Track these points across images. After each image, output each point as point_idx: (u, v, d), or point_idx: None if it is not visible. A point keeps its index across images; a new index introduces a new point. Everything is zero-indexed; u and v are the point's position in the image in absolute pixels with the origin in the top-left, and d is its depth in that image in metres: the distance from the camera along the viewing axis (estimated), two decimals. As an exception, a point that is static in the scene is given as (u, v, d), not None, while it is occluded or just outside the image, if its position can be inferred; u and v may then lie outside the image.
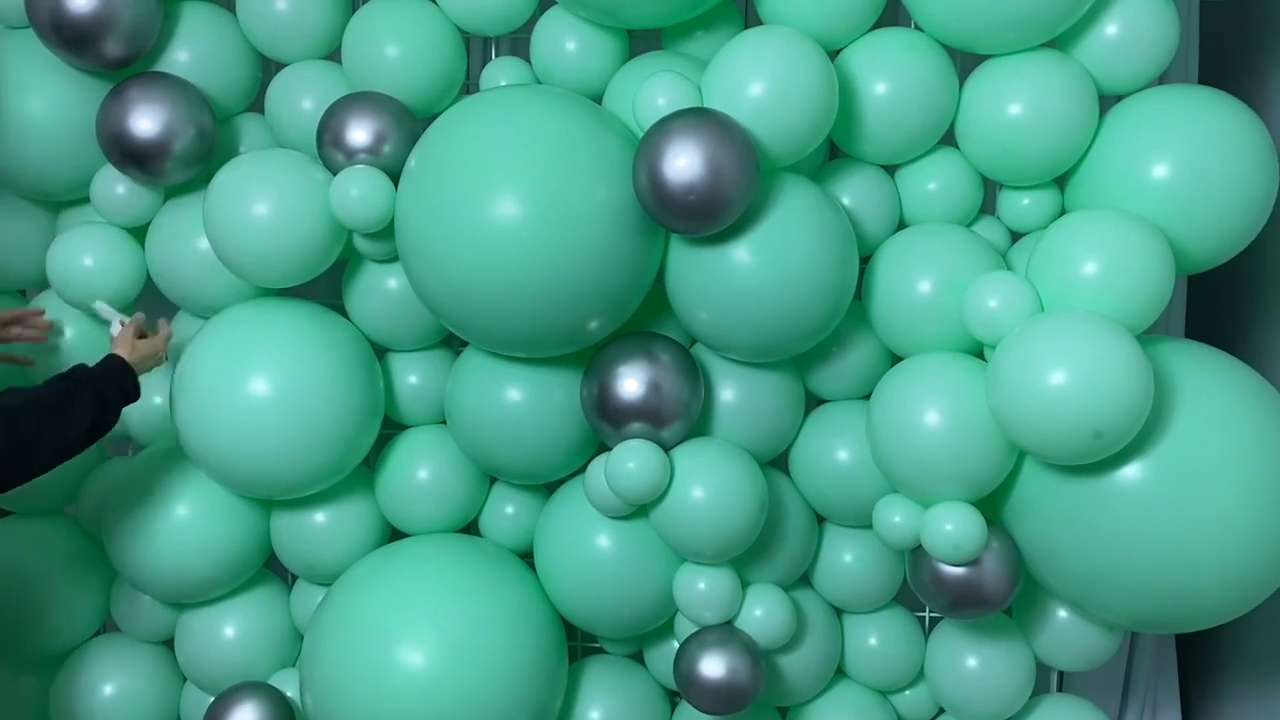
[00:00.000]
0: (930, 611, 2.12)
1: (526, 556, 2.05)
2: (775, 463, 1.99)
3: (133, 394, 1.73)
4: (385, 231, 1.85)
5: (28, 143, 1.91)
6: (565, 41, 1.90)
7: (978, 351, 1.80)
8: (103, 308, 1.91)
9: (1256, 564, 1.65)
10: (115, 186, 1.95)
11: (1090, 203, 1.79)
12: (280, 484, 1.90)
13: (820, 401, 2.01)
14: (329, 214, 1.83)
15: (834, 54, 1.83)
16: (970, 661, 2.00)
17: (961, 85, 1.85)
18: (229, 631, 2.05)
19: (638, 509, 1.88)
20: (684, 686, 1.89)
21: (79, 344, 2.02)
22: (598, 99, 1.89)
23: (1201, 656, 2.51)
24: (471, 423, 1.91)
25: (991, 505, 1.83)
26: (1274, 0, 2.27)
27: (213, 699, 2.00)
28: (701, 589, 1.87)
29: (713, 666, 1.85)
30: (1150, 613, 1.74)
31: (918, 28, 1.86)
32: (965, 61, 1.86)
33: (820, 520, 2.03)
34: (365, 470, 2.04)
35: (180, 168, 1.90)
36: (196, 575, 1.98)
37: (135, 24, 1.86)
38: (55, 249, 1.96)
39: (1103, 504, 1.67)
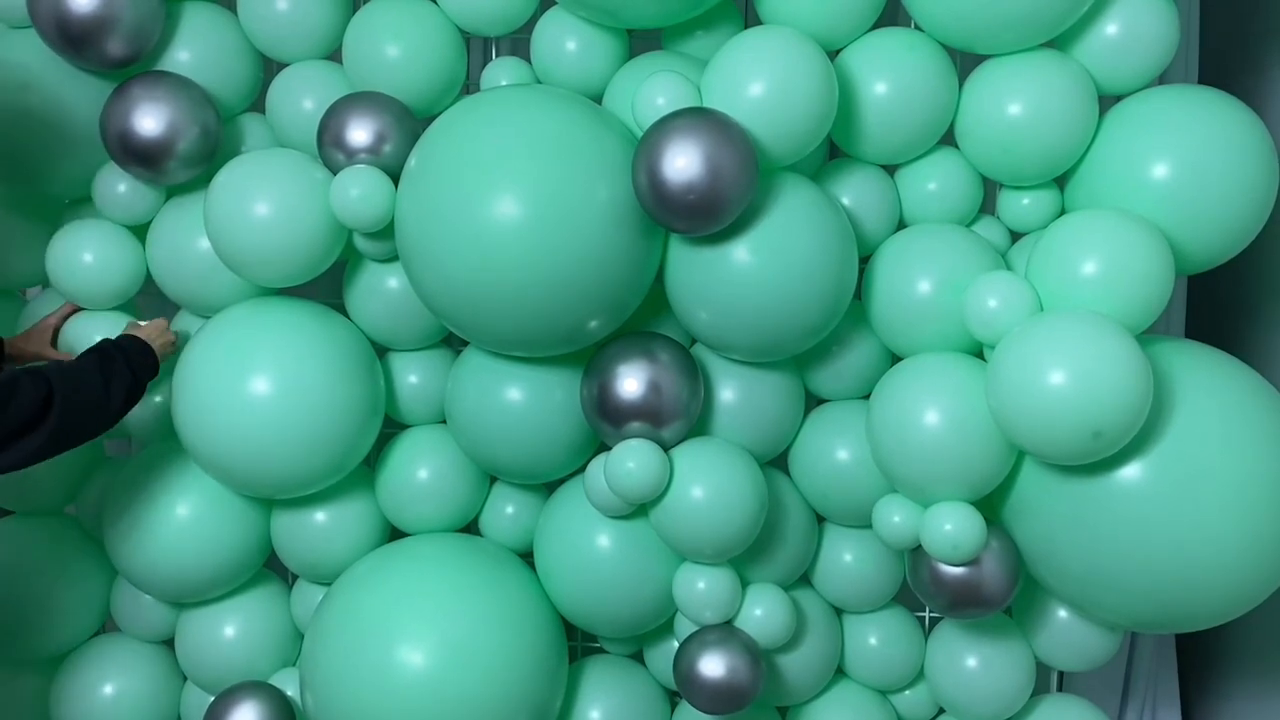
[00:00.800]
0: (930, 611, 2.12)
1: (526, 556, 2.05)
2: (775, 463, 1.99)
3: (155, 366, 1.78)
4: (385, 231, 1.85)
5: (29, 141, 1.91)
6: (565, 41, 1.90)
7: (977, 351, 1.80)
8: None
9: (1256, 564, 1.65)
10: (117, 185, 1.95)
11: (1090, 203, 1.79)
12: (280, 483, 1.91)
13: (820, 401, 2.01)
14: (329, 214, 1.84)
15: (834, 54, 1.83)
16: (970, 661, 2.00)
17: (961, 85, 1.85)
18: (229, 631, 2.05)
19: (637, 509, 1.88)
20: (684, 686, 1.89)
21: (79, 343, 2.01)
22: (598, 99, 1.89)
23: (1201, 656, 2.51)
24: (471, 422, 1.91)
25: (991, 505, 1.83)
26: (1274, 0, 2.27)
27: (213, 699, 2.00)
28: (701, 589, 1.87)
29: (712, 666, 1.85)
30: (1150, 613, 1.74)
31: (918, 28, 1.86)
32: (965, 61, 1.86)
33: (820, 520, 2.03)
34: (365, 470, 2.04)
35: (184, 166, 1.90)
36: (196, 575, 1.98)
37: (137, 24, 1.86)
38: (55, 247, 1.96)
39: (1103, 504, 1.67)
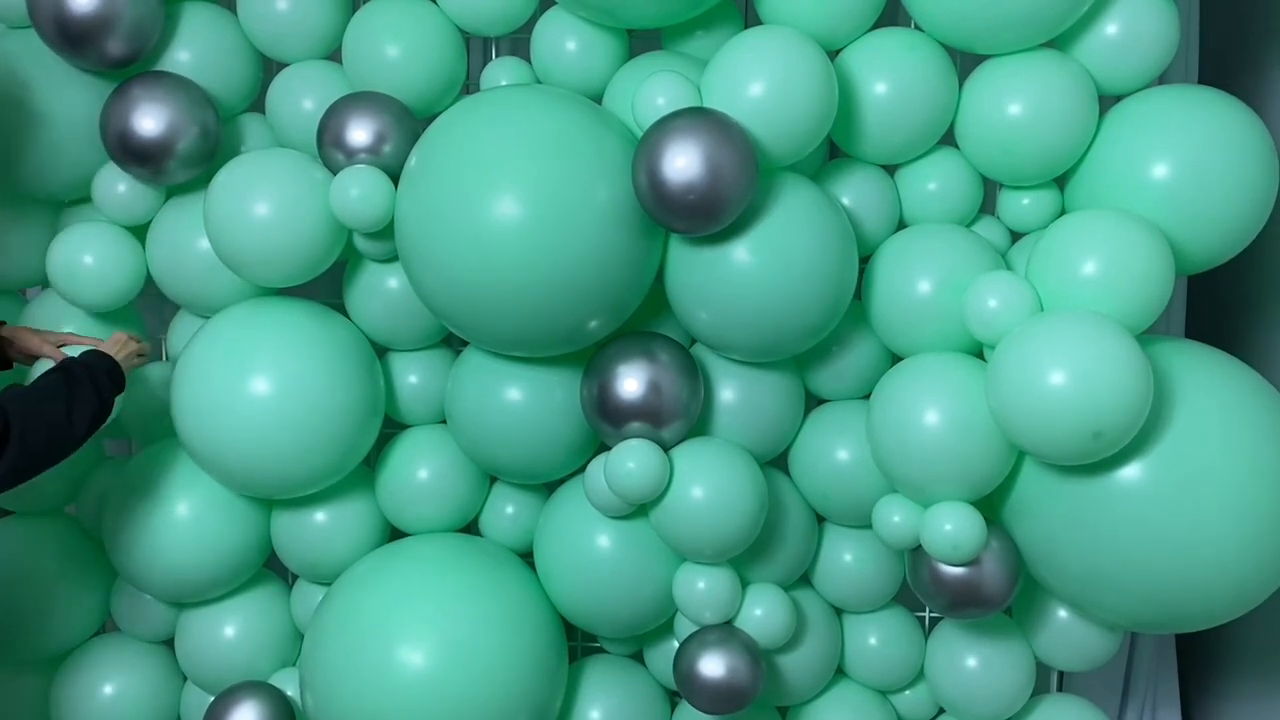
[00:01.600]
0: (930, 611, 2.12)
1: (526, 556, 2.05)
2: (775, 463, 1.99)
3: (121, 383, 1.73)
4: (385, 231, 1.85)
5: (29, 141, 1.91)
6: (565, 41, 1.90)
7: (977, 351, 1.80)
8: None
9: (1256, 564, 1.65)
10: (116, 185, 1.95)
11: (1090, 203, 1.79)
12: (280, 483, 1.91)
13: (820, 401, 2.01)
14: (329, 214, 1.83)
15: (834, 54, 1.83)
16: (970, 661, 2.00)
17: (961, 85, 1.85)
18: (229, 631, 2.05)
19: (637, 509, 1.88)
20: (684, 686, 1.89)
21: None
22: (598, 99, 1.89)
23: (1201, 656, 2.51)
24: (471, 422, 1.91)
25: (991, 505, 1.83)
26: (1274, 0, 2.27)
27: (213, 699, 2.00)
28: (701, 589, 1.87)
29: (712, 666, 1.85)
30: (1150, 613, 1.74)
31: (918, 28, 1.86)
32: (965, 61, 1.86)
33: (820, 520, 2.03)
34: (365, 470, 2.04)
35: (184, 166, 1.90)
36: (196, 575, 1.98)
37: (137, 24, 1.86)
38: (56, 247, 1.96)
39: (1103, 504, 1.67)
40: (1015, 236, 1.93)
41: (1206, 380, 1.69)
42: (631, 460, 1.78)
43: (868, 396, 1.87)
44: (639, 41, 1.96)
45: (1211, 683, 2.50)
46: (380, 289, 1.95)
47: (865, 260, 1.88)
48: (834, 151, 1.95)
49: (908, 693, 2.11)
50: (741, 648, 1.87)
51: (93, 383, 1.66)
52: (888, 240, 1.89)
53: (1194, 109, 1.74)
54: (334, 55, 1.98)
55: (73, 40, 1.84)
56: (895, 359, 1.89)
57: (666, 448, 1.83)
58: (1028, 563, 1.83)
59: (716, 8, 1.89)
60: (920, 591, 1.86)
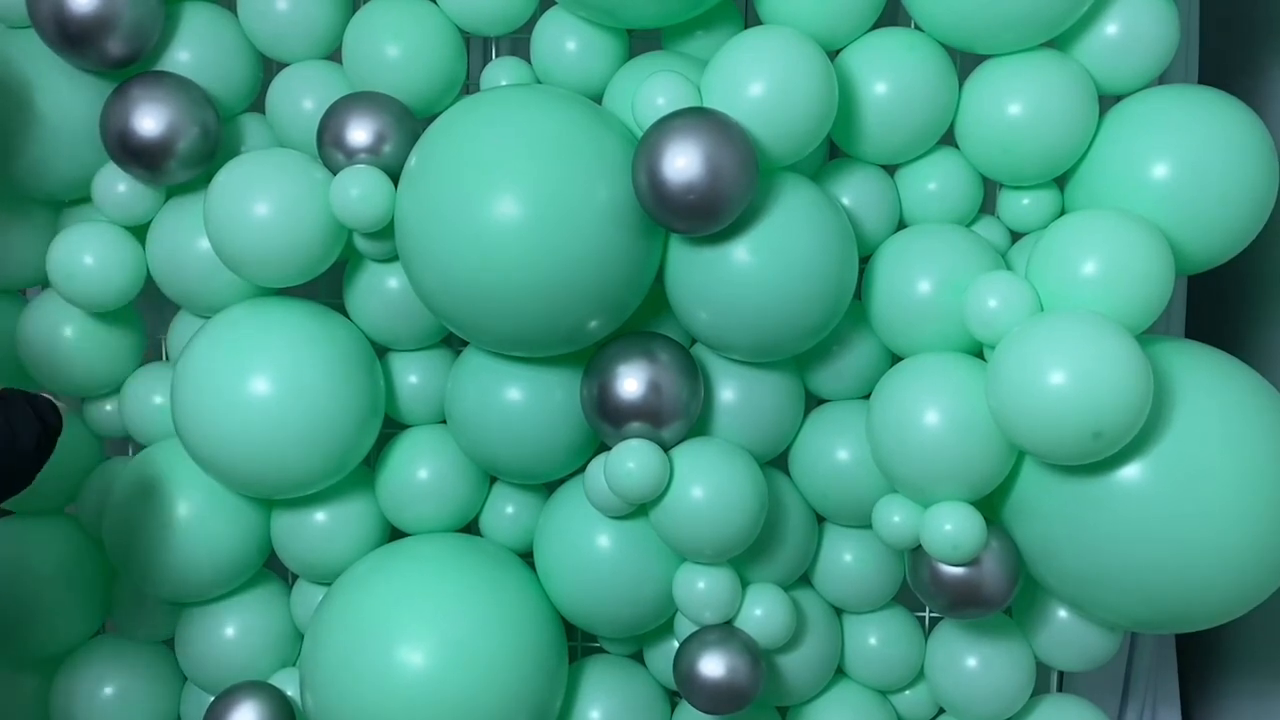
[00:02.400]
0: (930, 611, 2.12)
1: (526, 556, 2.05)
2: (775, 463, 1.99)
3: (58, 424, 1.58)
4: (385, 231, 1.85)
5: (29, 141, 1.91)
6: (565, 41, 1.90)
7: (977, 351, 1.80)
8: None
9: (1256, 564, 1.65)
10: (116, 185, 1.95)
11: (1090, 203, 1.79)
12: (280, 483, 1.91)
13: (820, 401, 2.01)
14: (329, 214, 1.83)
15: (834, 54, 1.83)
16: (970, 661, 2.00)
17: (961, 85, 1.85)
18: (229, 631, 2.05)
19: (637, 509, 1.88)
20: (684, 686, 1.89)
21: (79, 344, 2.02)
22: (598, 99, 1.89)
23: (1201, 656, 2.51)
24: (471, 422, 1.91)
25: (991, 505, 1.83)
26: (1274, 0, 2.27)
27: (213, 699, 2.00)
28: (701, 589, 1.87)
29: (712, 666, 1.85)
30: (1150, 613, 1.74)
31: (918, 28, 1.86)
32: (965, 61, 1.86)
33: (820, 520, 2.03)
34: (365, 470, 2.04)
35: (184, 167, 1.90)
36: (196, 575, 1.98)
37: (137, 24, 1.86)
38: (55, 248, 1.96)
39: (1103, 504, 1.67)
40: (1015, 236, 1.93)
41: (1206, 380, 1.68)
42: (631, 460, 1.78)
43: (868, 396, 1.87)
44: (639, 41, 1.96)
45: (1211, 683, 2.50)
46: (380, 289, 1.95)
47: (865, 260, 1.88)
48: (834, 151, 1.95)
49: (908, 693, 2.11)
50: (741, 648, 1.87)
51: (30, 404, 1.53)
52: (888, 240, 1.89)
53: (1194, 109, 1.74)
54: (334, 55, 1.98)
55: (73, 40, 1.84)
56: (895, 359, 1.89)
57: (666, 448, 1.83)
58: (1028, 563, 1.83)
59: (716, 8, 1.89)
60: (920, 591, 1.86)
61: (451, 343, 2.06)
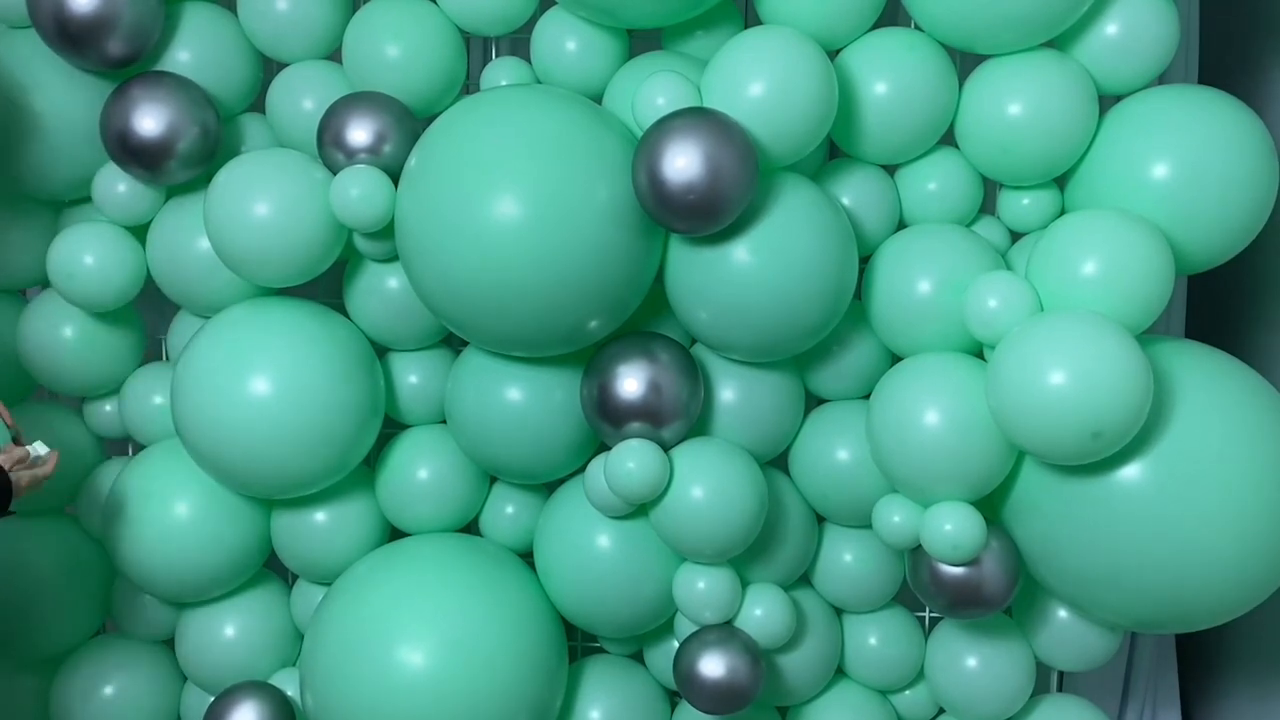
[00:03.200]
0: (930, 611, 2.12)
1: (526, 556, 2.05)
2: (775, 463, 1.99)
3: (6, 493, 1.53)
4: (385, 231, 1.85)
5: (29, 142, 1.91)
6: (565, 41, 1.90)
7: (977, 351, 1.80)
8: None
9: (1256, 564, 1.65)
10: (116, 185, 1.95)
11: (1090, 203, 1.79)
12: (280, 483, 1.91)
13: (820, 401, 2.01)
14: (329, 214, 1.84)
15: (834, 54, 1.83)
16: (970, 661, 2.00)
17: (961, 85, 1.85)
18: (229, 631, 2.05)
19: (637, 509, 1.88)
20: (684, 686, 1.89)
21: (80, 344, 2.02)
22: (598, 99, 1.89)
23: (1201, 656, 2.50)
24: (471, 422, 1.91)
25: (991, 505, 1.83)
26: (1274, 0, 2.27)
27: (213, 699, 2.00)
28: (701, 589, 1.87)
29: (712, 666, 1.85)
30: (1150, 613, 1.74)
31: (918, 28, 1.86)
32: (965, 61, 1.86)
33: (820, 520, 2.03)
34: (365, 470, 2.04)
35: (184, 167, 1.90)
36: (196, 575, 1.98)
37: (137, 24, 1.86)
38: (56, 247, 1.96)
39: (1102, 504, 1.67)
40: (1015, 236, 1.93)
41: (1206, 380, 1.69)
42: (631, 460, 1.78)
43: (868, 396, 1.87)
44: (639, 41, 1.96)
45: (1211, 683, 2.50)
46: (380, 289, 1.95)
47: (865, 260, 1.88)
48: (834, 151, 1.95)
49: (908, 693, 2.11)
50: (741, 648, 1.87)
51: None
52: (888, 240, 1.89)
53: (1194, 109, 1.74)
54: (334, 55, 1.98)
55: (73, 40, 1.84)
56: (895, 359, 1.89)
57: (666, 448, 1.83)
58: (1028, 563, 1.83)
59: (716, 8, 1.89)
60: (920, 591, 1.86)
61: (451, 343, 2.06)
